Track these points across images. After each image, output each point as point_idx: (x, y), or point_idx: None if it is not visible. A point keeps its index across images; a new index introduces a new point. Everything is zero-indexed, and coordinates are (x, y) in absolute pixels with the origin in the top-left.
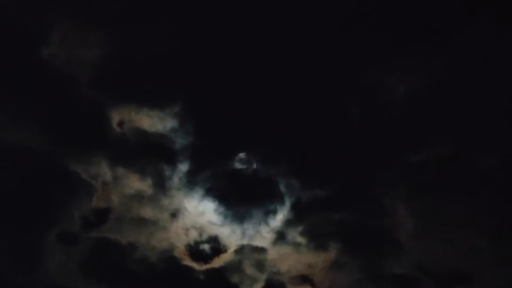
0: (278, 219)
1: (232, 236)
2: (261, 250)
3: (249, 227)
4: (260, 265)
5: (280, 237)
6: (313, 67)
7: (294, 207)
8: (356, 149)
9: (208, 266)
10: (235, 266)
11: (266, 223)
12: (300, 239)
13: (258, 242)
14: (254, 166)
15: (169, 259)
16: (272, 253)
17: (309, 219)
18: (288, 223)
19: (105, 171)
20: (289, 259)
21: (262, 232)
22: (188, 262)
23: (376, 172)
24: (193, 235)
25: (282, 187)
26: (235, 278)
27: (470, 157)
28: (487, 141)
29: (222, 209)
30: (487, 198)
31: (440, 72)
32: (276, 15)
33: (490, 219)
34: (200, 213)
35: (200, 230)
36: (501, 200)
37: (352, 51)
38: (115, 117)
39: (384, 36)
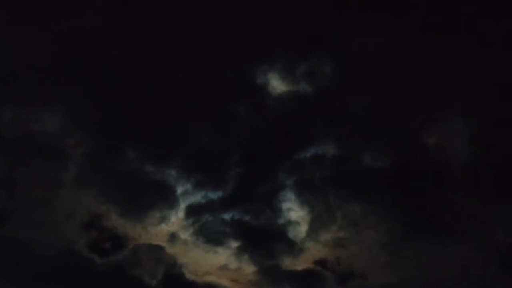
0: (173, 220)
1: (130, 234)
2: (158, 247)
3: (146, 226)
4: (158, 261)
5: (176, 236)
6: (201, 68)
7: (188, 208)
8: (246, 148)
9: (108, 260)
10: (134, 261)
11: (162, 223)
12: (194, 239)
13: (154, 241)
14: (147, 167)
15: (70, 254)
16: (170, 251)
17: (202, 219)
18: (183, 223)
19: (1, 172)
20: (187, 257)
21: (158, 231)
22: (88, 256)
23: (267, 171)
24: (92, 232)
25: (175, 188)
26: (135, 272)
27: (357, 157)
28: (373, 142)
29: (119, 209)
30: (377, 197)
31: (326, 74)
32: (165, 16)
33: (381, 219)
34: (98, 212)
35: (99, 228)
36: (389, 200)
37: (239, 53)
38: (3, 117)
39: (270, 39)
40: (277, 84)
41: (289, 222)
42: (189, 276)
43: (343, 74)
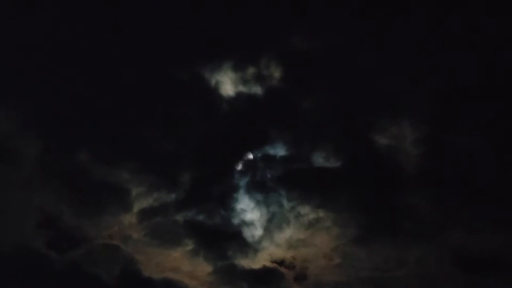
0: (128, 221)
1: (85, 234)
2: (114, 247)
3: (101, 227)
4: (114, 260)
5: (131, 237)
6: (153, 70)
7: (142, 210)
8: (199, 150)
9: (64, 258)
10: (90, 260)
11: (116, 224)
12: (149, 240)
13: (109, 241)
14: (101, 169)
15: (26, 253)
16: (125, 251)
17: (156, 221)
18: (137, 224)
19: None
20: (142, 257)
21: (113, 232)
22: (45, 253)
23: (220, 172)
24: (47, 232)
25: (129, 190)
26: (92, 269)
27: (307, 157)
28: (323, 143)
29: (74, 209)
30: (329, 198)
31: (276, 76)
32: (116, 18)
33: (334, 219)
34: (53, 212)
35: (54, 227)
36: (342, 200)
37: (191, 56)
38: None
39: (220, 42)
40: (228, 86)
41: (244, 223)
42: (146, 273)
43: (292, 76)
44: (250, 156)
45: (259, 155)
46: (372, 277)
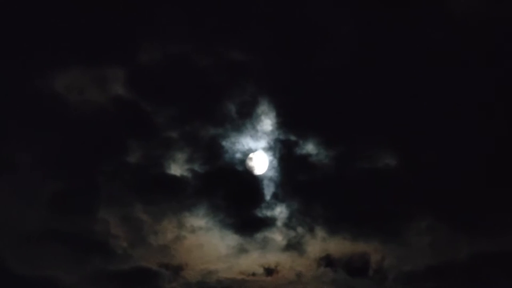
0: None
1: None
2: None
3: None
4: None
5: None
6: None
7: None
8: (57, 161)
9: None
10: None
11: None
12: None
13: None
14: None
15: None
16: None
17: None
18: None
19: None
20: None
21: None
22: None
23: (81, 182)
24: None
25: None
26: None
27: (159, 164)
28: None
29: None
30: (186, 209)
31: (122, 83)
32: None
33: (204, 228)
34: None
35: None
36: (202, 208)
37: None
38: None
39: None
40: (76, 95)
41: (109, 233)
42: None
43: (139, 83)
44: (109, 166)
45: (116, 165)
46: (237, 279)
